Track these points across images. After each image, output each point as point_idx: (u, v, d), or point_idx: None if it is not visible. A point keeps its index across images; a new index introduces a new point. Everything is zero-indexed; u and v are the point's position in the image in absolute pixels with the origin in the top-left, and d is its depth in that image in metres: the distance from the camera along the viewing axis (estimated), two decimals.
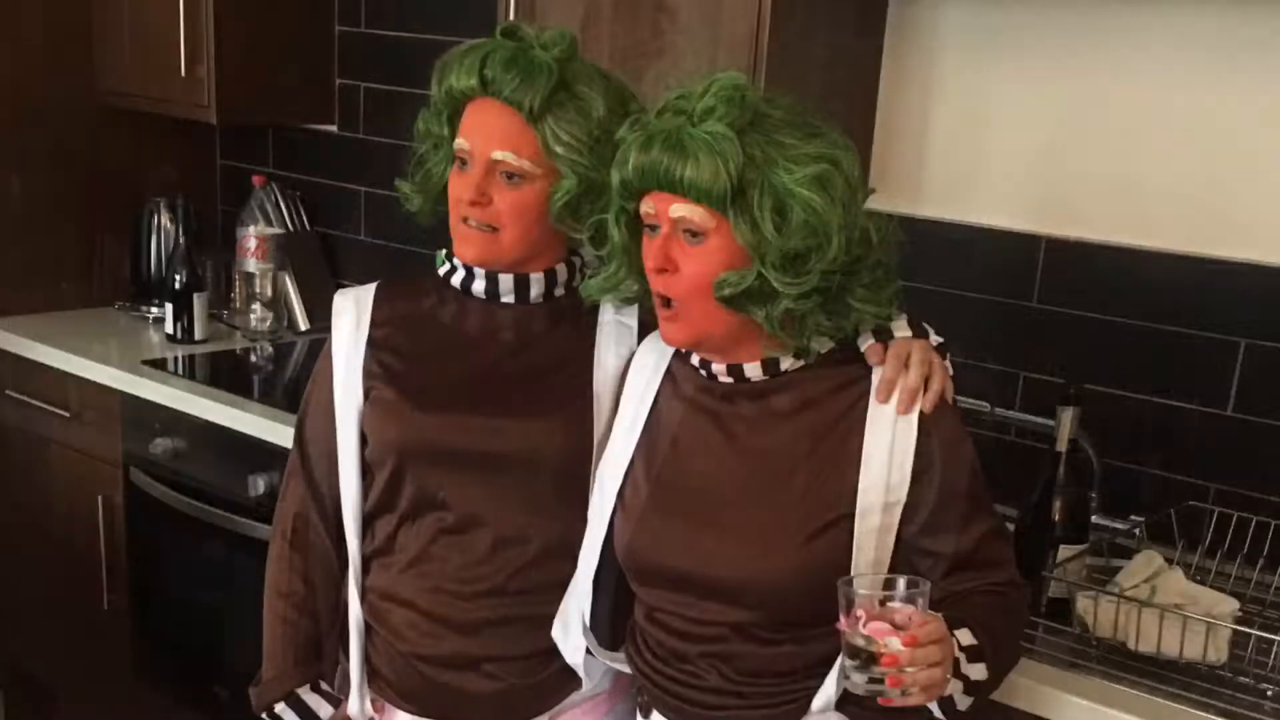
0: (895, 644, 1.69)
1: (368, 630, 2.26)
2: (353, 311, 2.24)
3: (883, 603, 1.74)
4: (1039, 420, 2.71)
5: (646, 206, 1.89)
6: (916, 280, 2.91)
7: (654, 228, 1.89)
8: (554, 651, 2.17)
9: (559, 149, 2.03)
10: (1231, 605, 2.32)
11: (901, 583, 1.76)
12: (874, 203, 2.95)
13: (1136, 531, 2.59)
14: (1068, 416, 2.46)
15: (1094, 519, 2.60)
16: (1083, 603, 2.32)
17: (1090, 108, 2.75)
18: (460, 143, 2.08)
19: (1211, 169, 2.63)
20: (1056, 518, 2.45)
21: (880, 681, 1.70)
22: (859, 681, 1.73)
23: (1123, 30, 2.68)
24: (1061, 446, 2.46)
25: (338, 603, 2.29)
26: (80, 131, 4.14)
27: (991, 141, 2.90)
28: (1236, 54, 2.57)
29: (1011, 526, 2.56)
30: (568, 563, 2.13)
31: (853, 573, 1.86)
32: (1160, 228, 2.70)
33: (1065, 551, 2.43)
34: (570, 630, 2.14)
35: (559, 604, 2.15)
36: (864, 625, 1.71)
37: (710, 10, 2.74)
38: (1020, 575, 2.01)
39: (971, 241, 2.93)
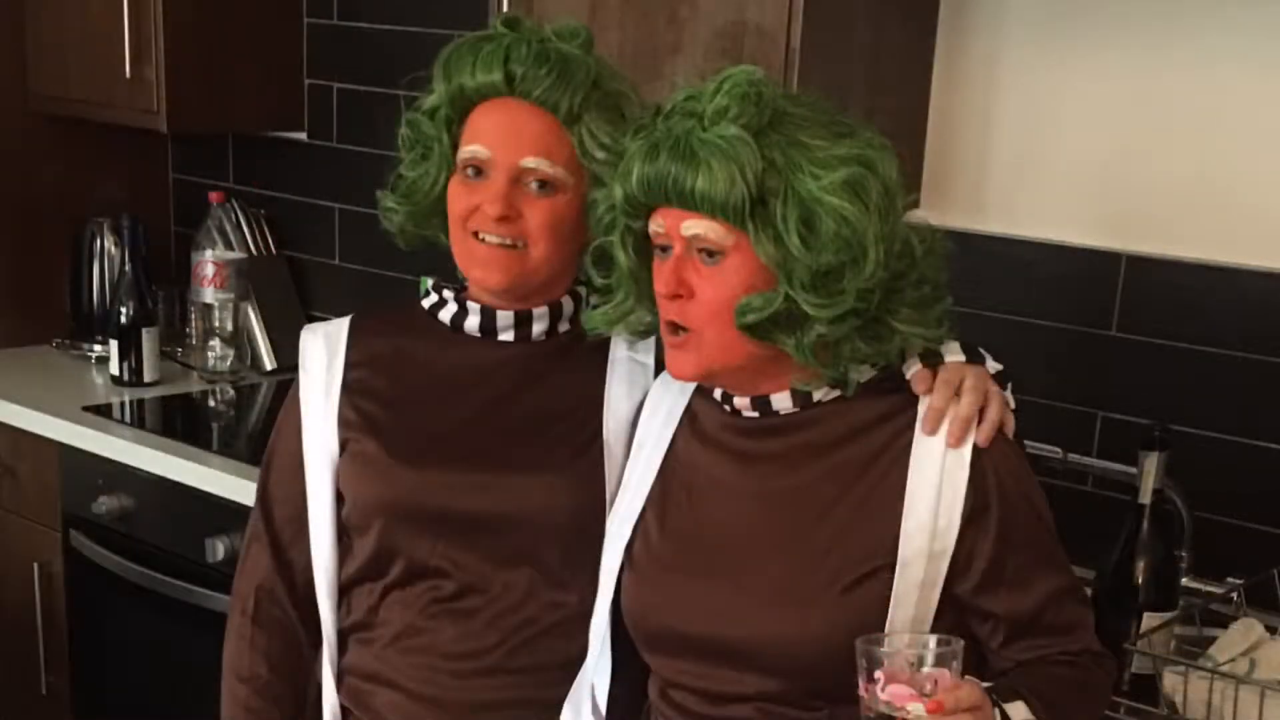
0: (919, 710, 1.69)
1: (345, 716, 2.26)
2: (323, 350, 2.24)
3: (910, 665, 1.73)
4: (1119, 468, 2.71)
5: (655, 225, 1.89)
6: (976, 305, 2.93)
7: (665, 248, 1.89)
8: None
9: (599, 153, 2.04)
10: None
11: (931, 642, 1.76)
12: (928, 217, 3.00)
13: (1234, 596, 2.58)
14: (1152, 463, 2.46)
15: (1184, 581, 2.60)
16: (1170, 679, 2.32)
17: (1176, 104, 2.76)
18: (475, 150, 2.07)
19: None
20: (1140, 580, 2.44)
21: None
22: None
23: (1210, 16, 2.70)
24: (1145, 498, 2.46)
25: (307, 686, 2.29)
26: (11, 143, 4.17)
27: (1062, 145, 2.91)
28: None
29: (1088, 591, 2.58)
30: (579, 637, 2.12)
31: (887, 631, 1.86)
32: (1260, 242, 2.70)
33: (1150, 620, 2.42)
34: (582, 714, 2.13)
35: (569, 685, 2.14)
36: (883, 689, 1.71)
37: (735, 3, 2.75)
38: (1101, 644, 1.99)
39: (1040, 260, 2.94)
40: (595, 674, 2.10)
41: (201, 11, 3.88)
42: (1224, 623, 2.50)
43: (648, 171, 1.85)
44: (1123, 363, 2.85)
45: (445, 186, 2.13)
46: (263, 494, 2.30)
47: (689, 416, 2.06)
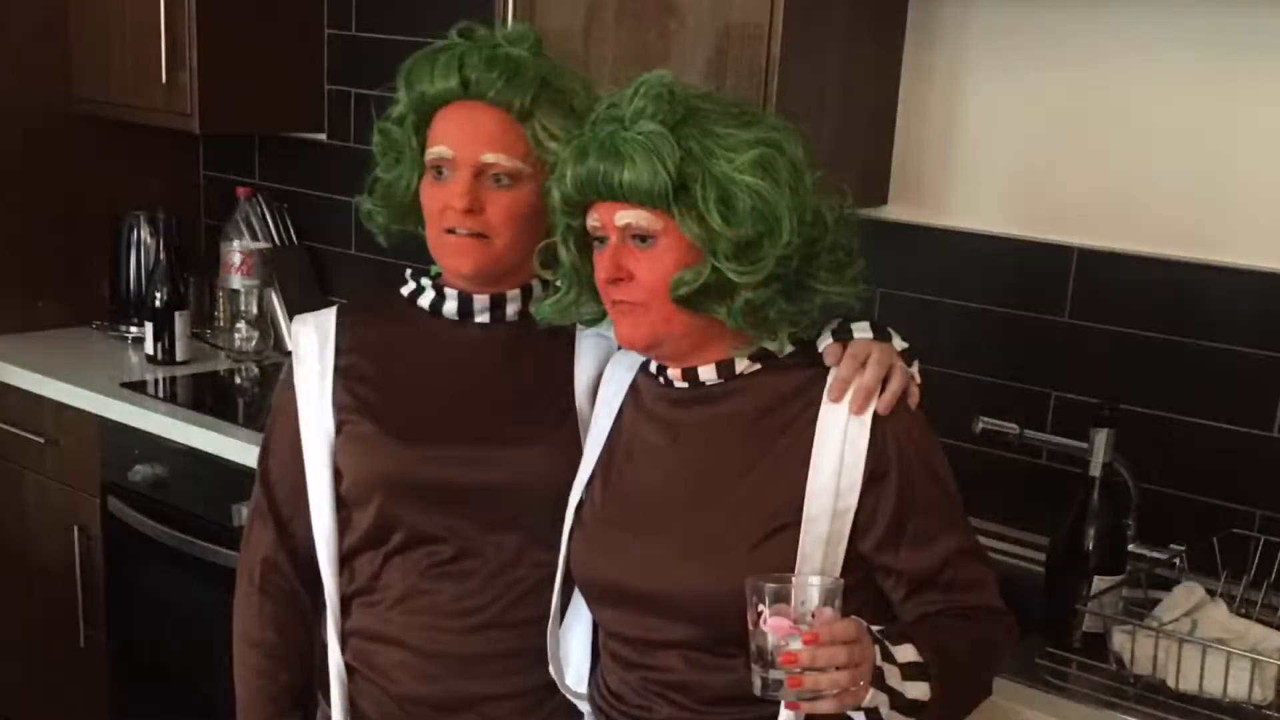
0: (796, 643, 1.67)
1: (351, 674, 2.23)
2: (315, 338, 2.23)
3: (796, 604, 1.71)
4: (1071, 443, 2.68)
5: (592, 220, 1.91)
6: (941, 294, 2.94)
7: (602, 240, 1.91)
8: (553, 687, 2.15)
9: (551, 144, 2.03)
10: (1279, 640, 2.29)
11: (814, 580, 1.75)
12: (895, 213, 3.00)
13: (1176, 561, 2.56)
14: (1102, 438, 2.45)
15: (1131, 548, 2.59)
16: (1119, 637, 2.30)
17: (1119, 113, 2.74)
18: (440, 150, 2.07)
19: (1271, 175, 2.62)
20: (1091, 547, 2.44)
21: (780, 684, 1.68)
22: (758, 685, 1.71)
23: (1153, 29, 2.68)
24: (1096, 471, 2.45)
25: (313, 648, 2.28)
26: (56, 142, 4.14)
27: (1018, 147, 2.89)
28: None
29: (1043, 556, 2.56)
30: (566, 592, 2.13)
31: None
32: (1204, 238, 2.68)
33: (1100, 583, 2.42)
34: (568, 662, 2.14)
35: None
36: (766, 623, 1.70)
37: (719, 10, 2.73)
38: (1001, 602, 1.96)
39: (999, 253, 2.92)
40: (556, 626, 2.12)
41: (232, 22, 3.86)
42: (1168, 586, 2.50)
43: (579, 171, 1.88)
44: (1075, 347, 2.83)
45: (418, 187, 2.12)
46: (263, 473, 2.28)
47: (633, 390, 2.08)
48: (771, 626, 1.69)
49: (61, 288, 4.24)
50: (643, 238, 1.87)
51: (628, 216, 1.86)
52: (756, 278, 1.85)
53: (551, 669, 2.12)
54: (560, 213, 1.95)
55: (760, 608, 1.71)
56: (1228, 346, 2.66)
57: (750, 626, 1.72)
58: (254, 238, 4.14)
